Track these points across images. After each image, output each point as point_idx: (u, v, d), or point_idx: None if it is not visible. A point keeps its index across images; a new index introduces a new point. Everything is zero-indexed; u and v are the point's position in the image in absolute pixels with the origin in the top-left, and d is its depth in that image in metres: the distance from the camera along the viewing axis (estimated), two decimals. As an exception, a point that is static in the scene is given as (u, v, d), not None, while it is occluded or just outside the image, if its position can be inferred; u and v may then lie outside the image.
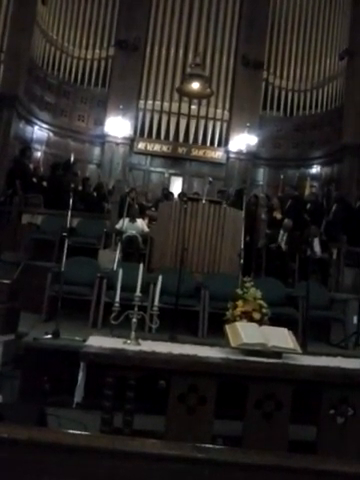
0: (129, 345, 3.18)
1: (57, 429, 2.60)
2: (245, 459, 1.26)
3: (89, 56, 14.26)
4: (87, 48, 14.27)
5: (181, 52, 14.60)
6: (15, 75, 11.88)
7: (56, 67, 13.87)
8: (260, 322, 3.78)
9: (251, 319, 3.88)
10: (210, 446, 1.40)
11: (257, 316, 3.95)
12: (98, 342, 3.22)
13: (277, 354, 3.23)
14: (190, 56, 14.28)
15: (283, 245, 7.85)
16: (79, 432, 1.33)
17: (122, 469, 1.24)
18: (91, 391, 2.99)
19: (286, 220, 8.06)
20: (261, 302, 4.08)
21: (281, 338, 3.31)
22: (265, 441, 2.91)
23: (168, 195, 10.83)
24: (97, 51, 14.34)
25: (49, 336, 4.38)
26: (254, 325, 3.53)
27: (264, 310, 4.05)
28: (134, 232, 7.59)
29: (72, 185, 7.82)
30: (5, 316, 3.96)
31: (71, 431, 1.36)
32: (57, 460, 1.23)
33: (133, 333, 3.25)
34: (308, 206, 9.78)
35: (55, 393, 3.71)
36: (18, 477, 1.27)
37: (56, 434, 1.32)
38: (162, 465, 1.23)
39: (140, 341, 3.27)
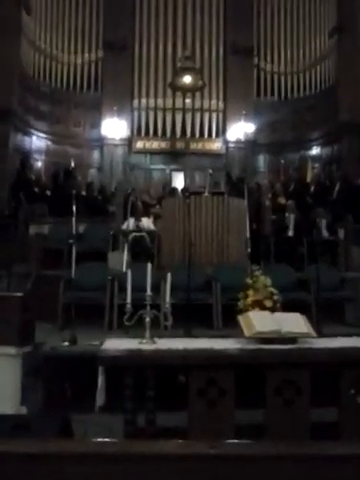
0: (145, 344, 3.21)
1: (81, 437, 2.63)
2: (258, 451, 1.28)
3: (79, 61, 14.28)
4: (76, 53, 14.28)
5: (170, 47, 14.55)
6: (7, 88, 11.92)
7: (47, 75, 13.90)
8: (272, 309, 3.80)
9: (263, 307, 3.89)
10: (224, 441, 1.42)
11: (269, 304, 3.96)
12: (114, 345, 3.25)
13: (292, 340, 3.25)
14: (179, 50, 14.25)
15: (291, 228, 7.83)
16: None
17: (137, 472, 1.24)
18: (113, 393, 3.03)
19: (289, 202, 8.05)
20: (272, 289, 4.09)
21: (294, 323, 3.33)
22: (288, 427, 2.93)
23: (173, 191, 10.75)
24: (86, 55, 14.35)
25: (66, 344, 4.44)
26: (266, 313, 3.55)
27: (275, 297, 4.06)
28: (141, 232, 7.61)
29: (74, 191, 7.83)
30: (21, 329, 4.01)
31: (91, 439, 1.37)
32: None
33: (148, 332, 3.29)
34: (312, 189, 9.76)
35: (77, 399, 3.75)
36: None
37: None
38: (178, 465, 1.25)
39: (155, 339, 3.30)
